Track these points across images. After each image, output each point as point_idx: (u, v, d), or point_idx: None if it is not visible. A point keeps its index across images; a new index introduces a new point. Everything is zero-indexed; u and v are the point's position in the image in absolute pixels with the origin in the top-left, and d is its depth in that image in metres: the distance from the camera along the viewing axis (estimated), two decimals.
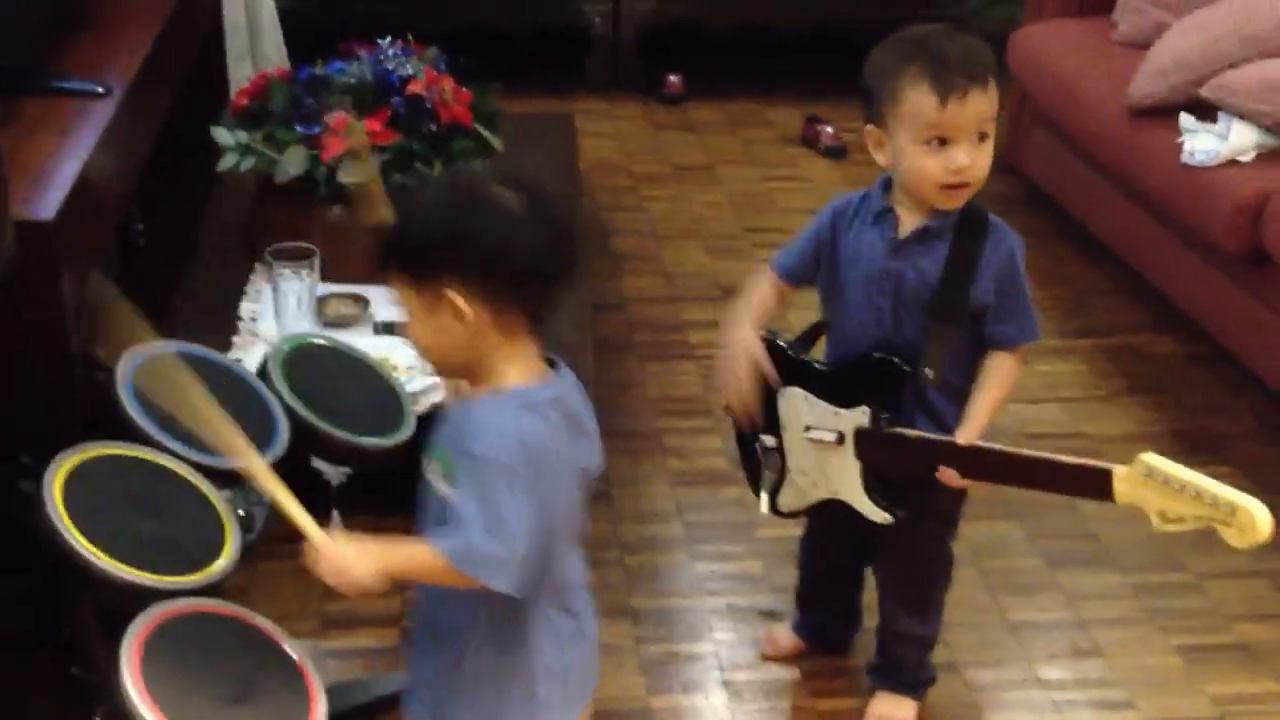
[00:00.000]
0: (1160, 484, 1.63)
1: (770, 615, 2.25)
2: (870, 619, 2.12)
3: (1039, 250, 3.51)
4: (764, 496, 1.98)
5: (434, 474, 1.45)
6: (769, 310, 1.95)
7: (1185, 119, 3.02)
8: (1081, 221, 3.50)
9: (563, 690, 1.53)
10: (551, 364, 1.48)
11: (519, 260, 1.39)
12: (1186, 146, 2.96)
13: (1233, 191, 2.81)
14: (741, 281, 3.25)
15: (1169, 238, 3.10)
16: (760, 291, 1.96)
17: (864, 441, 1.84)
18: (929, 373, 1.80)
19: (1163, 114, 3.09)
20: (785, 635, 2.18)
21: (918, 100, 1.73)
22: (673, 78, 4.40)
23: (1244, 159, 2.89)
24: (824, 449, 1.88)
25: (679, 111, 4.34)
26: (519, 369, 1.43)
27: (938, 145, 1.74)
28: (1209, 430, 2.80)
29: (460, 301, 1.38)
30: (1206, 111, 3.01)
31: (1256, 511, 1.58)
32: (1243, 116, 2.93)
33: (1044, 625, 2.27)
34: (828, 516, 2.00)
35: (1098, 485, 1.70)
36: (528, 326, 1.43)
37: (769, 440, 1.96)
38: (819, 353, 1.98)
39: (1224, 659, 2.20)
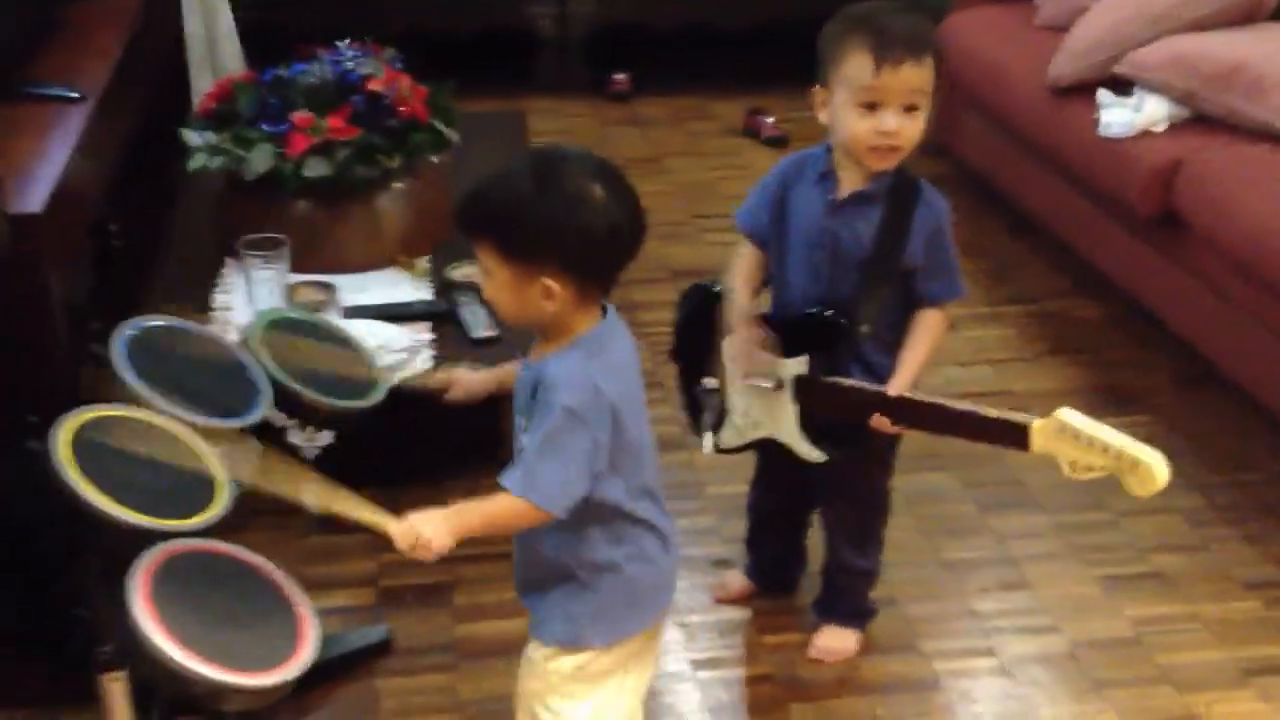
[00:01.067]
0: (1072, 438, 1.78)
1: (722, 564, 2.41)
2: (816, 560, 2.29)
3: (969, 225, 3.70)
4: (707, 436, 2.12)
5: (522, 432, 1.62)
6: (758, 282, 2.07)
7: (1102, 94, 3.21)
8: (1008, 196, 3.70)
9: (656, 572, 1.69)
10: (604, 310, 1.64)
11: (609, 249, 1.56)
12: (1103, 120, 3.15)
13: (1147, 160, 3.00)
14: (689, 264, 3.45)
15: (1089, 207, 3.29)
16: (746, 266, 2.06)
17: (802, 388, 2.00)
18: (864, 328, 1.95)
19: (1081, 91, 3.28)
20: (736, 579, 2.35)
21: (856, 64, 1.87)
22: (619, 76, 4.56)
23: (1157, 129, 3.08)
24: (763, 394, 2.03)
25: (626, 108, 4.51)
26: (585, 323, 1.59)
27: (869, 109, 1.88)
28: (1129, 384, 2.99)
29: (554, 285, 1.53)
30: (1121, 87, 3.21)
31: (1155, 465, 1.73)
32: (1154, 90, 3.13)
33: (975, 563, 2.44)
34: (772, 464, 2.17)
35: (1016, 437, 1.84)
36: (602, 295, 1.61)
37: (710, 382, 2.10)
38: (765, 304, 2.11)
39: (1140, 586, 2.38)
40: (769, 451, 2.11)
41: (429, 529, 1.55)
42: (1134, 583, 2.39)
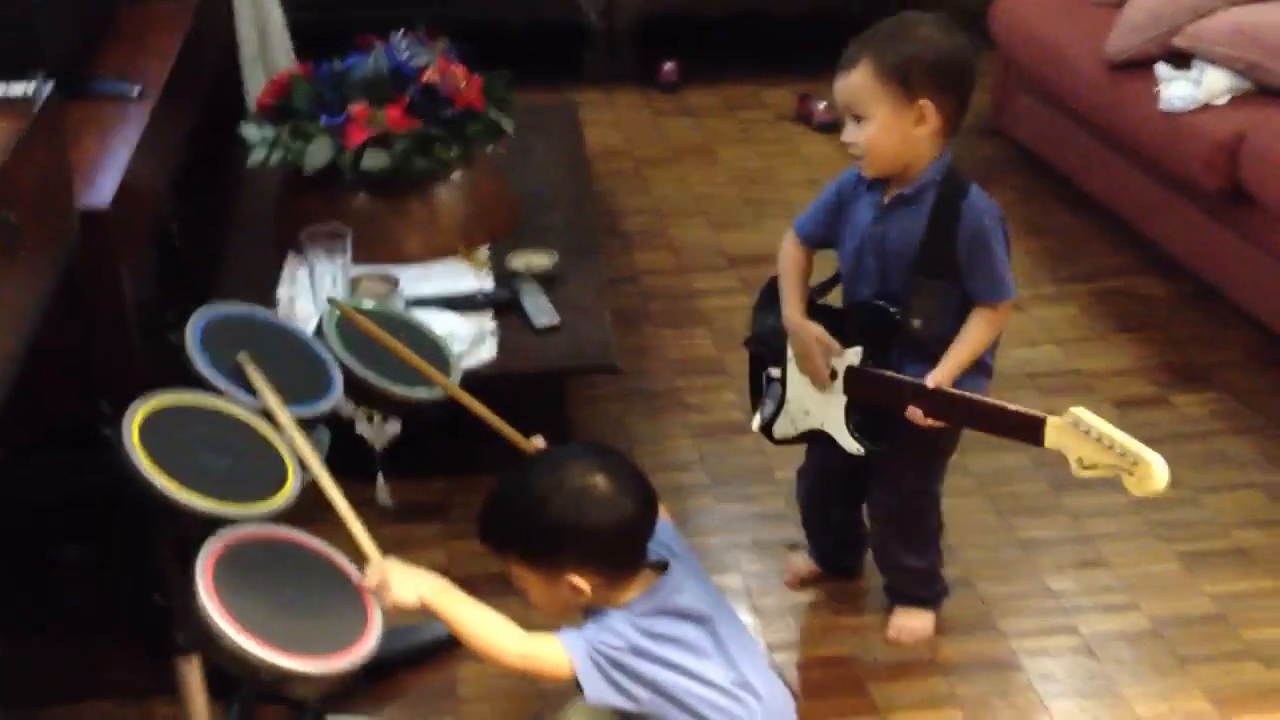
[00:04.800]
0: (1082, 434, 1.79)
1: (793, 547, 2.39)
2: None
3: (1029, 205, 3.67)
4: (756, 417, 2.17)
5: None
6: (805, 275, 2.12)
7: (1161, 69, 3.17)
8: (1068, 176, 3.65)
9: None
10: (664, 566, 1.74)
11: (622, 537, 1.68)
12: (1164, 94, 3.10)
13: (1209, 134, 2.95)
14: (746, 251, 3.44)
15: (1151, 183, 3.24)
16: (793, 262, 2.11)
17: (851, 378, 2.02)
18: (915, 323, 1.96)
19: (1139, 66, 3.24)
20: (802, 562, 2.33)
21: None
22: (668, 65, 4.55)
23: (1218, 103, 3.03)
24: (818, 385, 2.05)
25: (676, 98, 4.50)
26: (636, 588, 1.71)
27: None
28: (1197, 362, 2.94)
29: (579, 580, 1.67)
30: (1181, 60, 3.16)
31: (1155, 465, 1.74)
32: (1215, 63, 3.08)
33: (1050, 542, 2.41)
34: (820, 455, 2.17)
35: (1032, 430, 1.86)
36: (632, 571, 1.71)
37: (774, 371, 2.13)
38: (836, 299, 2.15)
39: (1221, 562, 2.34)
40: (819, 442, 2.12)
41: (398, 577, 1.61)
42: (1214, 559, 2.35)
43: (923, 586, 2.20)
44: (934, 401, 1.93)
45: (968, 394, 1.94)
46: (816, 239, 2.10)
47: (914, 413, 1.95)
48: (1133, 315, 3.13)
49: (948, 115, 1.93)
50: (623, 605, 1.70)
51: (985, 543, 2.39)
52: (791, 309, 2.08)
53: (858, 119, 1.94)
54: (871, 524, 2.21)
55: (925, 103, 1.90)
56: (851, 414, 2.03)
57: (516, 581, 1.74)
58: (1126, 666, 2.13)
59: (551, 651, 1.67)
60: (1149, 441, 2.63)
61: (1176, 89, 3.08)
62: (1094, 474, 1.80)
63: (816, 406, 2.07)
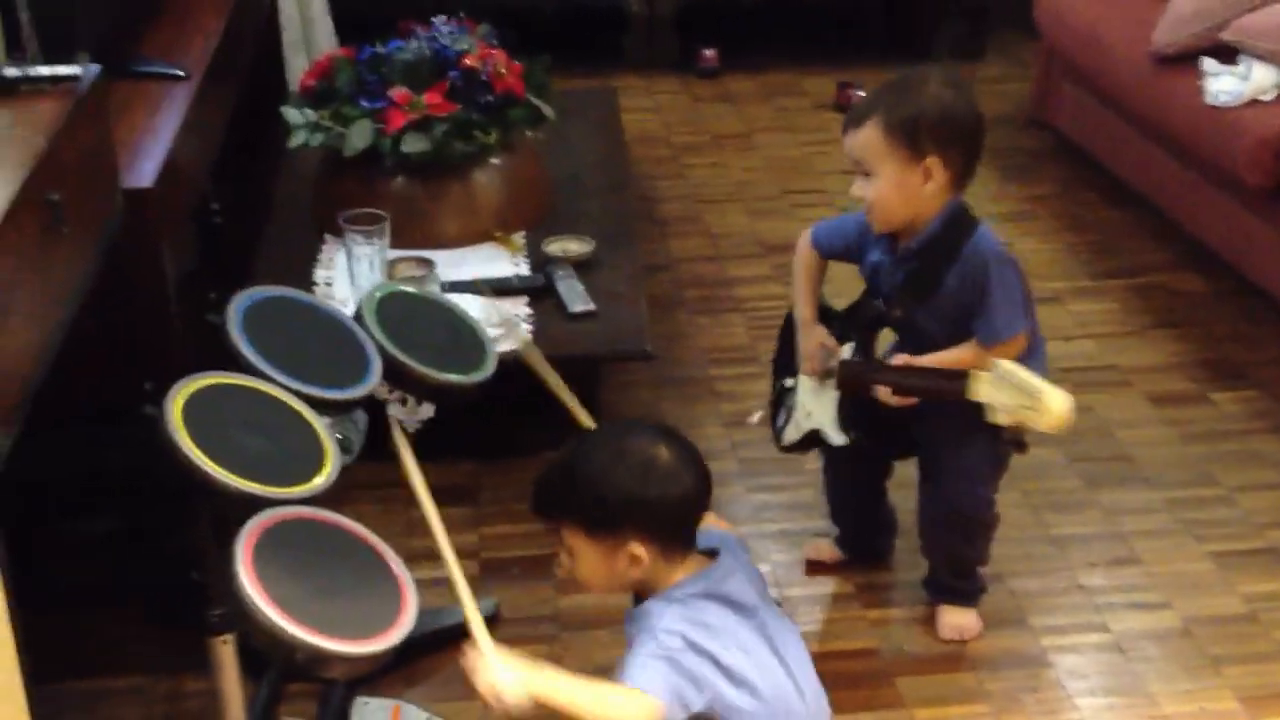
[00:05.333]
0: (998, 380, 1.83)
1: (821, 535, 2.39)
2: (907, 535, 2.28)
3: (1069, 198, 3.65)
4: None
5: None
6: (818, 278, 2.17)
7: (1207, 63, 3.14)
8: (1109, 168, 3.62)
9: None
10: (713, 552, 1.75)
11: (684, 508, 1.69)
12: (1210, 89, 3.08)
13: (1255, 129, 2.93)
14: (783, 239, 3.44)
15: (1194, 178, 3.22)
16: (806, 266, 2.17)
17: (841, 372, 2.06)
18: (896, 312, 2.02)
19: (1186, 60, 3.21)
20: (828, 546, 2.34)
21: None
22: (708, 52, 4.54)
23: (1265, 98, 3.01)
24: (818, 386, 2.10)
25: (715, 84, 4.49)
26: (684, 570, 1.71)
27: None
28: (1236, 359, 2.92)
29: (640, 550, 1.67)
30: (1227, 55, 3.13)
31: (1054, 399, 1.77)
32: (1262, 58, 3.05)
33: (1084, 538, 2.40)
34: (835, 452, 2.18)
35: (962, 384, 1.89)
36: (684, 548, 1.71)
37: (788, 382, 2.18)
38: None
39: (1255, 562, 2.33)
40: (817, 444, 2.16)
41: (506, 682, 1.57)
42: (1248, 559, 2.34)
43: (970, 581, 2.20)
44: (880, 375, 2.02)
45: (903, 362, 2.01)
46: (833, 254, 2.16)
47: (883, 393, 2.00)
48: (1171, 311, 3.11)
49: (955, 172, 1.97)
50: (672, 585, 1.69)
51: (1018, 538, 2.39)
52: (801, 308, 2.14)
53: (866, 174, 1.97)
54: (930, 521, 2.19)
55: (932, 160, 1.93)
56: (842, 407, 2.07)
57: (568, 556, 1.72)
58: (1156, 665, 2.12)
59: (637, 700, 1.61)
60: (1185, 439, 2.65)
61: (1223, 84, 3.06)
62: (1009, 418, 1.83)
63: (816, 407, 2.12)
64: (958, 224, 1.99)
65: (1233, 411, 2.74)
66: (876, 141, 1.94)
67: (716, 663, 1.64)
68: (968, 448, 2.08)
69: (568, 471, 1.71)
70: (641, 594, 1.74)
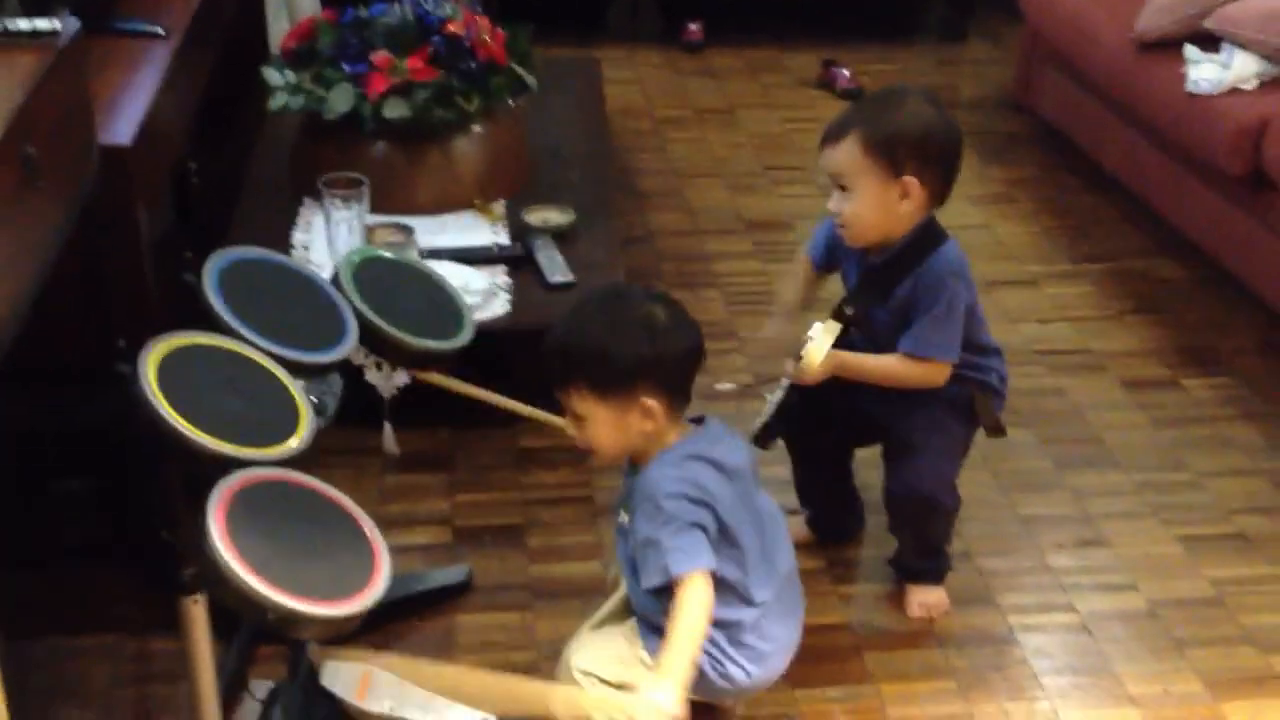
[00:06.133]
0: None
1: (794, 514, 2.39)
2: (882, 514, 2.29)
3: (1049, 183, 3.66)
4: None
5: (625, 521, 1.81)
6: (801, 284, 2.20)
7: (1190, 50, 3.15)
8: (1090, 154, 3.64)
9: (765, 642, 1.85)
10: (700, 420, 1.83)
11: (688, 360, 1.76)
12: (1191, 76, 3.09)
13: (1235, 117, 2.94)
14: (763, 215, 3.45)
15: (1173, 165, 3.23)
16: (792, 273, 2.22)
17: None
18: (848, 309, 2.05)
19: (1168, 47, 3.22)
20: (797, 526, 2.34)
21: None
22: (693, 25, 4.53)
23: (1246, 87, 3.02)
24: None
25: (699, 58, 4.48)
26: (676, 433, 1.78)
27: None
28: (1210, 346, 2.94)
29: (652, 403, 1.73)
30: (1210, 43, 3.14)
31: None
32: (1244, 46, 3.06)
33: (1052, 519, 2.41)
34: (797, 438, 2.24)
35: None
36: (685, 403, 1.80)
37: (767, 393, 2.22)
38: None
39: (1222, 546, 2.35)
40: (789, 427, 2.19)
41: (666, 701, 1.58)
42: (1215, 543, 2.36)
43: (937, 561, 2.22)
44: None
45: (835, 361, 2.04)
46: (823, 266, 2.19)
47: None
48: (1147, 296, 3.13)
49: (931, 191, 1.98)
50: (668, 448, 1.76)
51: (987, 517, 2.40)
52: (776, 306, 2.21)
53: (843, 189, 1.98)
54: (896, 502, 2.20)
55: (910, 179, 1.94)
56: (787, 399, 2.13)
57: (577, 423, 1.76)
58: (1122, 646, 2.14)
59: (699, 587, 1.69)
60: (1157, 424, 2.67)
61: (1204, 71, 3.07)
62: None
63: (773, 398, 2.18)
64: (924, 239, 2.01)
65: (1204, 397, 2.76)
66: (855, 157, 1.95)
67: (714, 511, 1.73)
68: (935, 433, 2.10)
69: (576, 335, 1.75)
70: (637, 459, 1.80)
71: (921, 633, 2.16)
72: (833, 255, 2.16)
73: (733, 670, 1.81)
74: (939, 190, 1.99)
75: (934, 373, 2.03)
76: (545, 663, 2.07)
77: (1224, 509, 2.44)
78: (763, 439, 2.22)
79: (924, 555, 2.20)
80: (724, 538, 1.76)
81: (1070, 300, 3.10)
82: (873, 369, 2.05)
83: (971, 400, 2.09)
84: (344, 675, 1.94)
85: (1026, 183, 3.66)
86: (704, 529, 1.71)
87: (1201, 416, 2.70)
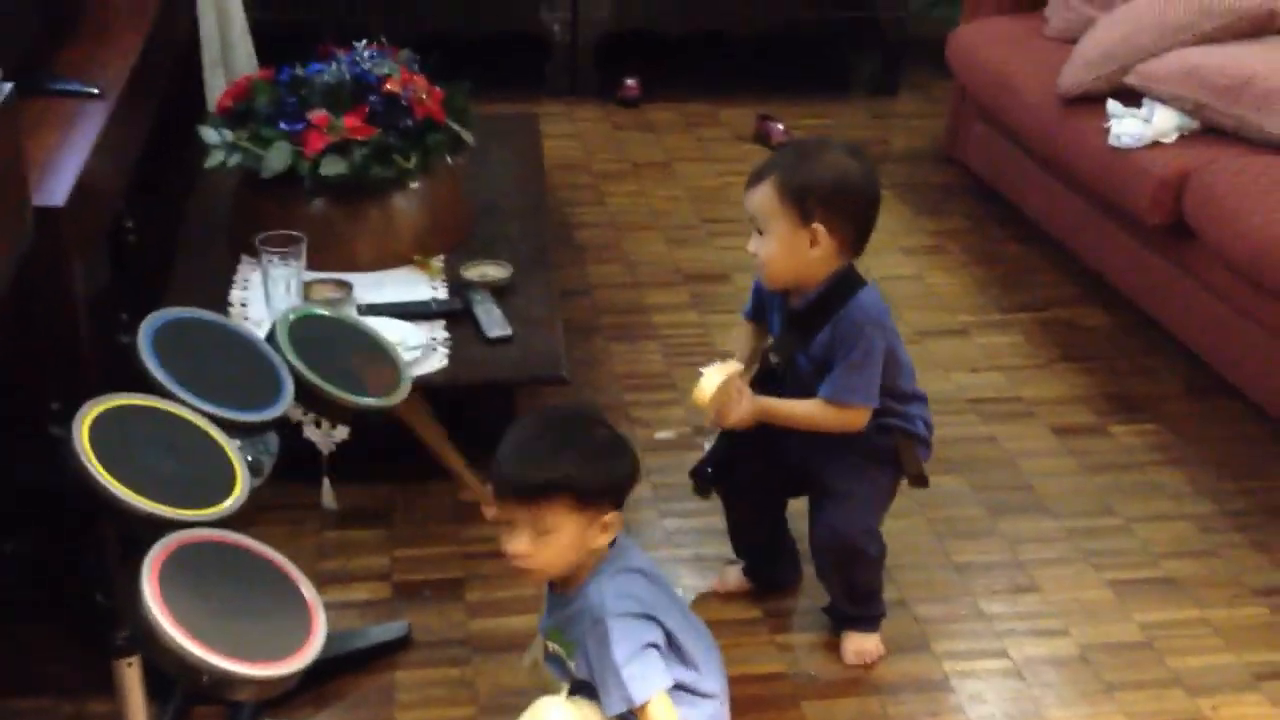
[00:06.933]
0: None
1: (731, 563, 2.42)
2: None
3: (978, 233, 3.74)
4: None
5: (554, 649, 1.87)
6: (746, 346, 2.24)
7: (1112, 105, 3.23)
8: (1017, 206, 3.72)
9: None
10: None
11: (633, 478, 1.83)
12: (1114, 131, 3.17)
13: (1156, 170, 3.02)
14: (700, 268, 3.49)
15: (1097, 216, 3.31)
16: (742, 335, 2.27)
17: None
18: (773, 357, 2.12)
19: (1091, 102, 3.30)
20: (734, 575, 2.38)
21: None
22: (630, 81, 4.59)
23: (1166, 140, 3.10)
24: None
25: (637, 114, 4.54)
26: (603, 547, 1.81)
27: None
28: (1137, 393, 3.00)
29: (612, 517, 1.78)
30: (1131, 98, 3.23)
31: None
32: (1164, 101, 3.15)
33: (986, 566, 2.45)
34: (737, 483, 2.27)
35: None
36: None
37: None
38: None
39: (1150, 591, 2.39)
40: (720, 476, 2.25)
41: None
42: (1144, 587, 2.40)
43: (871, 607, 2.25)
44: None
45: (759, 407, 2.08)
46: (757, 316, 2.24)
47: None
48: (1075, 345, 3.19)
49: (842, 240, 2.03)
50: (601, 563, 1.80)
51: (922, 564, 2.44)
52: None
53: (760, 232, 2.05)
54: (821, 551, 2.23)
55: (818, 227, 2.00)
56: (716, 446, 2.21)
57: (533, 539, 1.76)
58: (1054, 690, 2.17)
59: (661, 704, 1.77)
60: (1086, 470, 2.72)
61: (1127, 126, 3.15)
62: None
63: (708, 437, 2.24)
64: (841, 287, 2.06)
65: (1132, 444, 2.82)
66: (770, 202, 2.01)
67: (659, 623, 1.79)
68: (857, 481, 2.14)
69: (549, 462, 1.75)
70: (566, 580, 1.83)
71: (858, 680, 2.19)
72: (760, 305, 2.21)
73: None
74: (850, 240, 2.04)
75: (853, 417, 2.07)
76: (486, 717, 2.07)
77: (1152, 553, 2.49)
78: (700, 487, 2.26)
79: (855, 601, 2.23)
80: (670, 646, 1.81)
81: (1000, 349, 3.16)
82: (795, 414, 2.09)
83: (896, 449, 2.13)
84: None
85: (956, 233, 3.74)
86: (656, 646, 1.77)
87: (1129, 463, 2.76)
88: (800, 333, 2.09)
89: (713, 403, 2.04)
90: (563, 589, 1.84)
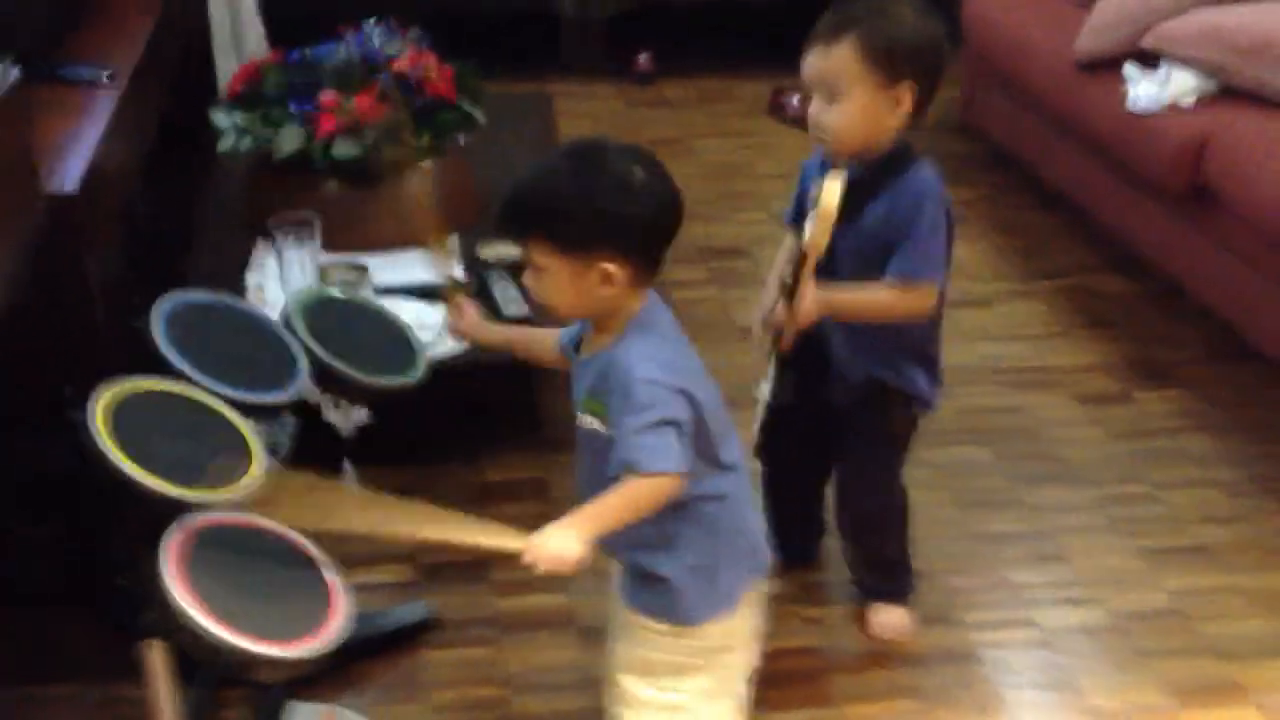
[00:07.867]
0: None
1: None
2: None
3: (997, 202, 3.70)
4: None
5: (589, 422, 1.63)
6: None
7: (1129, 69, 3.19)
8: (1036, 173, 3.68)
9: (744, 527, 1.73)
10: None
11: (660, 228, 1.59)
12: (1131, 94, 3.13)
13: (1175, 134, 2.98)
14: (720, 243, 3.46)
15: (1117, 182, 3.28)
16: (784, 245, 2.12)
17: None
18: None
19: (1108, 66, 3.26)
20: None
21: None
22: (643, 58, 4.55)
23: (1184, 103, 3.06)
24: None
25: (651, 90, 4.50)
26: (638, 305, 1.62)
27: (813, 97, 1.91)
28: (1161, 359, 2.97)
29: (613, 269, 1.56)
30: (1148, 61, 3.19)
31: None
32: (1182, 64, 3.11)
33: (1012, 536, 2.43)
34: (775, 438, 2.14)
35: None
36: (654, 275, 1.62)
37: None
38: None
39: (1180, 558, 2.37)
40: (772, 425, 2.11)
41: (557, 542, 1.52)
42: (1174, 555, 2.38)
43: (896, 579, 2.22)
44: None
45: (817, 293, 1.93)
46: (800, 217, 2.05)
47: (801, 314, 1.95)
48: (1097, 312, 3.16)
49: (920, 101, 1.91)
50: (632, 318, 1.61)
51: (947, 536, 2.42)
52: (771, 274, 2.11)
53: (828, 98, 1.90)
54: (841, 520, 2.22)
55: (905, 87, 1.88)
56: (781, 370, 2.05)
57: (535, 275, 1.61)
58: (1084, 660, 2.15)
59: (658, 484, 1.56)
60: (1112, 438, 2.70)
61: (1144, 89, 3.11)
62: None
63: (765, 377, 2.08)
64: (900, 156, 1.94)
65: (1157, 410, 2.79)
66: (850, 63, 1.86)
67: (691, 399, 1.59)
68: (864, 450, 2.10)
69: (541, 184, 1.59)
70: (597, 328, 1.66)
71: (886, 653, 2.17)
72: (802, 209, 2.03)
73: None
74: (926, 99, 1.92)
75: (921, 300, 1.94)
76: (516, 696, 2.06)
77: (1181, 520, 2.47)
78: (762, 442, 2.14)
79: (881, 574, 2.20)
80: (698, 424, 1.60)
81: (1023, 318, 3.13)
82: (860, 299, 1.95)
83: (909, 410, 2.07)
84: (306, 716, 1.93)
85: (976, 203, 3.70)
86: (678, 425, 1.56)
87: (1156, 429, 2.73)
88: (855, 201, 1.88)
89: (815, 307, 1.87)
90: (591, 351, 1.67)
